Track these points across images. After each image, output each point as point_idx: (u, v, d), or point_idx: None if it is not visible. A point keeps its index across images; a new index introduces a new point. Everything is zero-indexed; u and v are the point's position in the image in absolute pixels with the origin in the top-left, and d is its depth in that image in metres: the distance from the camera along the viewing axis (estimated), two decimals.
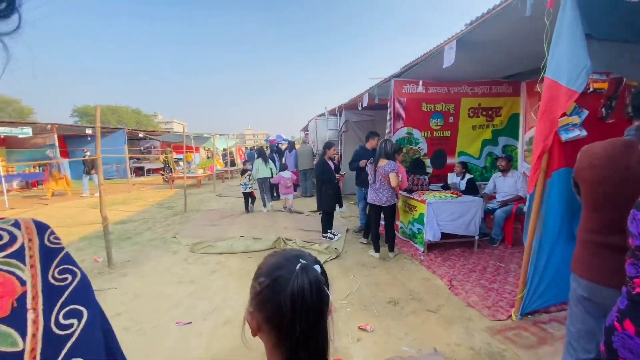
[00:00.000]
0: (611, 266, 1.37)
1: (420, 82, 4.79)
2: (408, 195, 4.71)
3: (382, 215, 4.24)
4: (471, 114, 5.88)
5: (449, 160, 5.88)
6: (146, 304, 3.07)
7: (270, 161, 7.27)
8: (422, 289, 3.24)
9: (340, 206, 5.04)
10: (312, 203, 7.82)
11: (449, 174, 5.75)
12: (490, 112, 5.98)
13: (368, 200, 4.26)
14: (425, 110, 5.54)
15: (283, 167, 7.77)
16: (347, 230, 5.40)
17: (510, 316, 2.59)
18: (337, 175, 4.97)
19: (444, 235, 4.27)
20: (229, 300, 3.10)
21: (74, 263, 0.46)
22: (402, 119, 5.40)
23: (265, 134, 71.19)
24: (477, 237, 4.36)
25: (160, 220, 6.58)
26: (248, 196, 7.14)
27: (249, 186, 7.11)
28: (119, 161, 15.28)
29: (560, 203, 2.54)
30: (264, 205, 7.26)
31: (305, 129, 14.57)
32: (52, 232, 0.46)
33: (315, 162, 6.78)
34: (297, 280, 0.59)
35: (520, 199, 4.61)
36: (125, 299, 3.18)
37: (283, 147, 10.60)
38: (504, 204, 4.65)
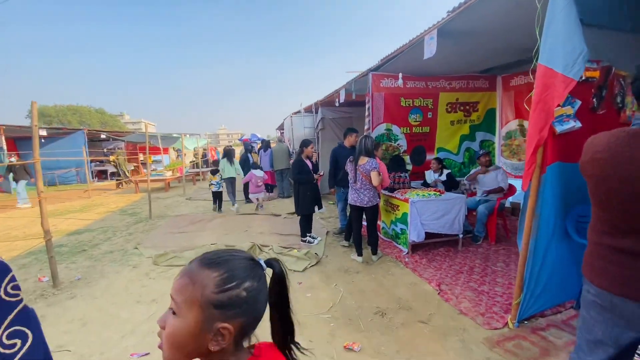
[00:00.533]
0: (623, 272, 1.20)
1: (400, 75, 4.57)
2: (390, 194, 4.50)
3: (363, 216, 3.99)
4: (449, 109, 5.77)
5: (428, 157, 5.75)
6: (95, 333, 2.61)
7: (235, 161, 7.23)
8: (410, 296, 3.00)
9: (320, 207, 4.73)
10: (289, 204, 7.48)
11: (426, 172, 5.61)
12: (467, 107, 5.91)
13: (349, 202, 3.99)
14: (404, 105, 5.36)
15: (255, 167, 7.54)
16: (327, 233, 5.11)
17: (506, 324, 2.40)
18: (315, 175, 4.65)
19: (428, 235, 4.08)
20: None
21: (27, 322, 0.49)
22: (380, 114, 5.18)
23: (240, 133, 69.76)
24: (461, 236, 4.22)
25: (121, 229, 5.97)
26: (218, 195, 7.18)
27: (222, 185, 7.18)
28: (79, 164, 14.15)
29: (554, 199, 2.38)
30: (233, 203, 7.23)
31: (281, 128, 14.13)
32: (13, 279, 0.49)
33: (291, 162, 6.44)
34: (278, 269, 0.67)
35: (502, 191, 4.53)
36: (70, 328, 2.70)
37: (258, 147, 10.15)
38: (487, 193, 4.55)
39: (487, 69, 5.77)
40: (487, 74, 5.87)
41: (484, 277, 3.32)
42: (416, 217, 4.00)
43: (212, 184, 7.20)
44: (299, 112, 9.38)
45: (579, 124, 2.23)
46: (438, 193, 4.29)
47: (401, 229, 4.27)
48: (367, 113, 5.13)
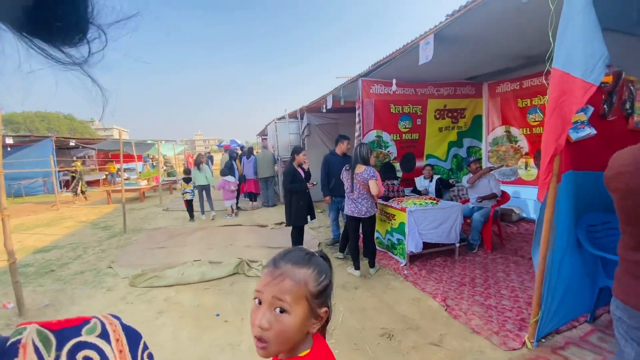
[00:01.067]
0: None
1: (394, 81, 4.45)
2: (385, 202, 4.34)
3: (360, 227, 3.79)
4: (437, 116, 5.74)
5: (418, 163, 5.67)
6: None
7: (204, 167, 7.05)
8: (416, 314, 2.82)
9: (313, 218, 4.49)
10: (275, 214, 7.20)
11: (415, 179, 5.52)
12: (455, 114, 5.90)
13: (345, 212, 3.78)
14: (394, 112, 5.26)
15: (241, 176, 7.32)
16: (319, 244, 4.88)
17: (524, 343, 2.26)
18: (307, 184, 4.41)
19: (424, 245, 3.94)
20: (181, 355, 2.39)
21: None
22: (371, 121, 5.05)
23: (217, 139, 68.25)
24: (457, 245, 4.11)
25: (92, 245, 5.46)
26: (191, 204, 7.15)
27: (195, 193, 7.21)
28: (47, 174, 13.17)
29: (567, 209, 2.28)
30: (202, 213, 7.24)
31: (263, 134, 13.79)
32: (146, 346, 0.42)
33: (283, 171, 6.15)
34: (328, 260, 0.80)
35: (495, 197, 4.47)
36: None
37: (239, 153, 9.75)
38: (481, 199, 4.47)
39: (473, 76, 5.80)
40: (473, 81, 5.90)
41: (487, 290, 3.19)
42: (414, 227, 3.85)
43: (185, 192, 7.06)
44: (283, 117, 9.14)
45: (594, 131, 2.14)
46: (434, 201, 4.17)
47: (398, 239, 4.11)
48: (357, 119, 4.98)
